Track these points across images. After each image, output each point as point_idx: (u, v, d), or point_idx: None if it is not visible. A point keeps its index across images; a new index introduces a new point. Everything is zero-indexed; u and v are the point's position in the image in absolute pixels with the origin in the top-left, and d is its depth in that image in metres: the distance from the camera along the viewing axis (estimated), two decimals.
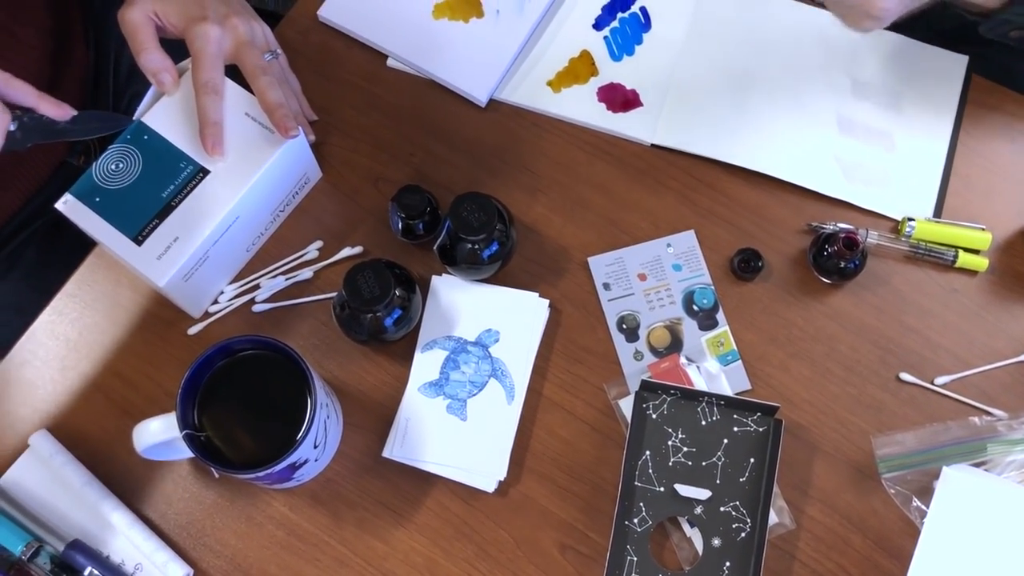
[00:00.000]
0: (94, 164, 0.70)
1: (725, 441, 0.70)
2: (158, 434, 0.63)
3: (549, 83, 0.80)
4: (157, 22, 0.70)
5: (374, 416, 0.72)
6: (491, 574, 0.69)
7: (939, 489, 0.63)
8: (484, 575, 0.69)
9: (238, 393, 0.65)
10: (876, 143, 0.79)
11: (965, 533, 0.62)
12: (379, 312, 0.68)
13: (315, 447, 0.65)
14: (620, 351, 0.74)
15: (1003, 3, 0.70)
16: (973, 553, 0.62)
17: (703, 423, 0.70)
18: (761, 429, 0.70)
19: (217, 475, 0.70)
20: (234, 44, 0.69)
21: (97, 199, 0.69)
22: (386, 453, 0.71)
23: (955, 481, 0.63)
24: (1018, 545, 0.62)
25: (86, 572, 0.67)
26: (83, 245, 0.76)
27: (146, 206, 0.69)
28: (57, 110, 0.65)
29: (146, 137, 0.70)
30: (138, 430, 0.64)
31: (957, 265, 0.75)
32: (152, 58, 0.69)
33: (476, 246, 0.71)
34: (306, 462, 0.65)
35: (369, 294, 0.67)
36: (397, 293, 0.69)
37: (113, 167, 0.70)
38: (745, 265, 0.75)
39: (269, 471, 0.61)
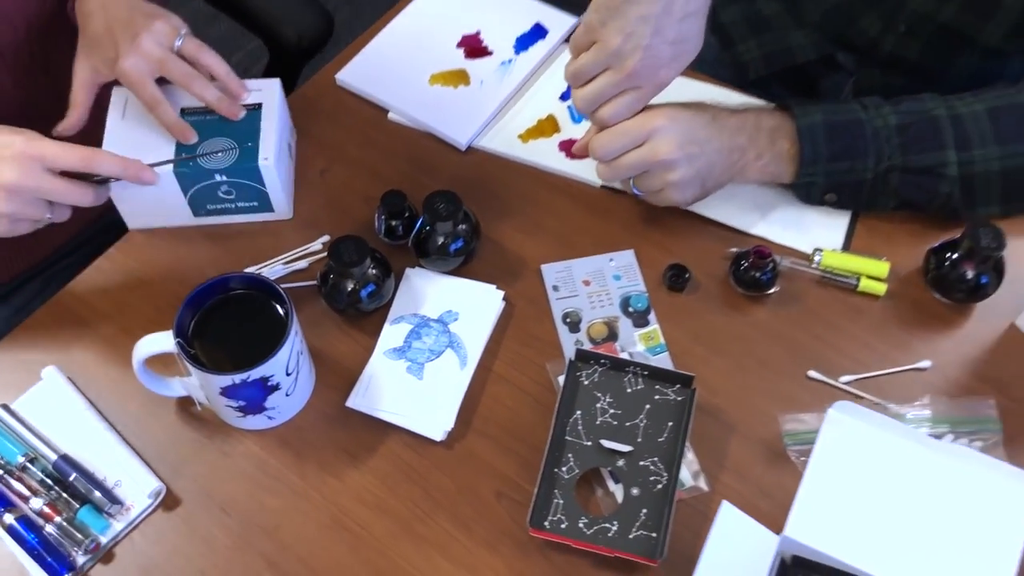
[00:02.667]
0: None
1: (647, 406, 0.79)
2: (155, 345, 0.74)
3: (520, 136, 0.97)
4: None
5: (343, 378, 0.83)
6: (432, 513, 0.76)
7: (824, 430, 0.71)
8: (426, 512, 0.76)
9: (227, 327, 0.76)
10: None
11: (848, 470, 0.70)
12: (356, 275, 0.81)
13: (288, 374, 0.75)
14: (563, 340, 0.85)
15: (795, 171, 0.88)
16: (856, 488, 0.69)
17: (628, 391, 0.80)
18: (679, 399, 0.79)
19: (199, 407, 0.80)
20: (153, 63, 0.84)
21: None
22: (349, 403, 0.81)
23: (840, 418, 0.71)
24: (899, 480, 0.69)
25: (71, 477, 0.76)
26: None
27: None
28: (142, 177, 0.82)
29: None
30: (139, 344, 0.75)
31: (860, 289, 0.87)
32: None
33: (445, 239, 0.85)
34: (278, 387, 0.75)
35: (348, 259, 0.80)
36: (372, 270, 0.82)
37: None
38: (675, 278, 0.87)
39: (247, 374, 0.72)
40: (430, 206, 0.83)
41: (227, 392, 0.74)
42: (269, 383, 0.74)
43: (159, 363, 0.78)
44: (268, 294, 0.77)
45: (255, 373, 0.72)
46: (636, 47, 0.80)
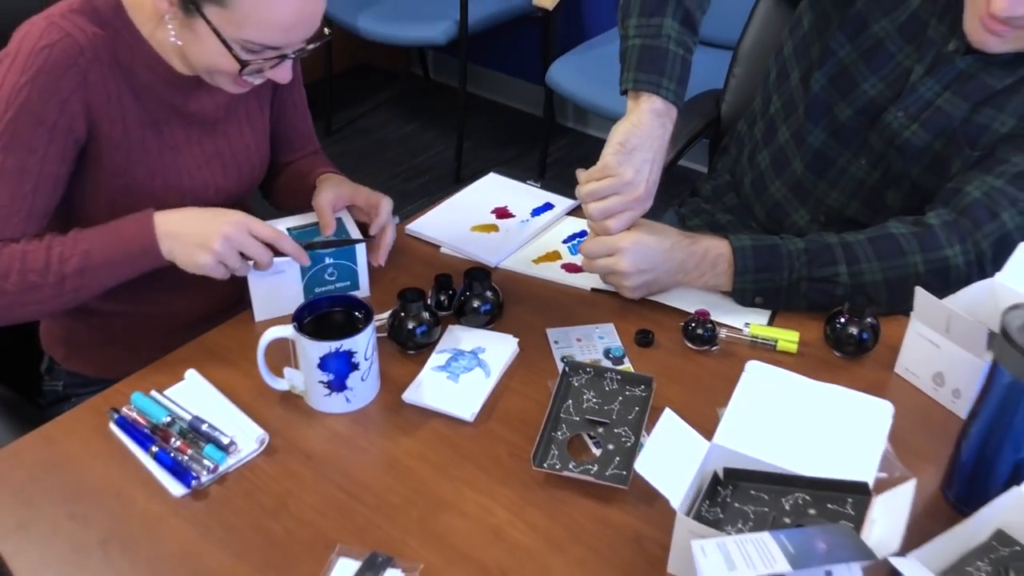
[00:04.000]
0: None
1: (620, 398, 1.09)
2: (278, 332, 1.07)
3: (533, 260, 1.35)
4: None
5: (400, 386, 1.13)
6: (461, 463, 1.04)
7: (743, 378, 1.00)
8: (456, 463, 1.04)
9: (326, 328, 1.09)
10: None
11: (759, 401, 0.98)
12: (414, 312, 1.15)
13: (366, 359, 1.07)
14: (560, 371, 1.16)
15: (731, 281, 1.26)
16: (764, 412, 0.96)
17: (607, 389, 1.10)
18: (644, 394, 1.09)
19: (297, 391, 1.10)
20: (374, 203, 1.27)
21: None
22: (404, 397, 1.11)
23: (754, 372, 1.00)
24: (795, 406, 0.97)
25: (203, 427, 1.05)
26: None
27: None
28: (302, 259, 1.20)
29: None
30: (267, 332, 1.07)
31: (778, 348, 1.19)
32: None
33: (478, 302, 1.20)
34: (357, 367, 1.06)
35: (410, 297, 1.15)
36: (426, 315, 1.16)
37: None
38: (643, 337, 1.20)
39: (340, 343, 1.03)
40: (469, 273, 1.20)
41: (323, 363, 1.05)
42: (352, 359, 1.06)
43: (271, 365, 1.10)
44: (356, 309, 1.11)
45: (346, 344, 1.04)
46: (642, 180, 1.22)
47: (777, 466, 0.92)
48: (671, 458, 0.91)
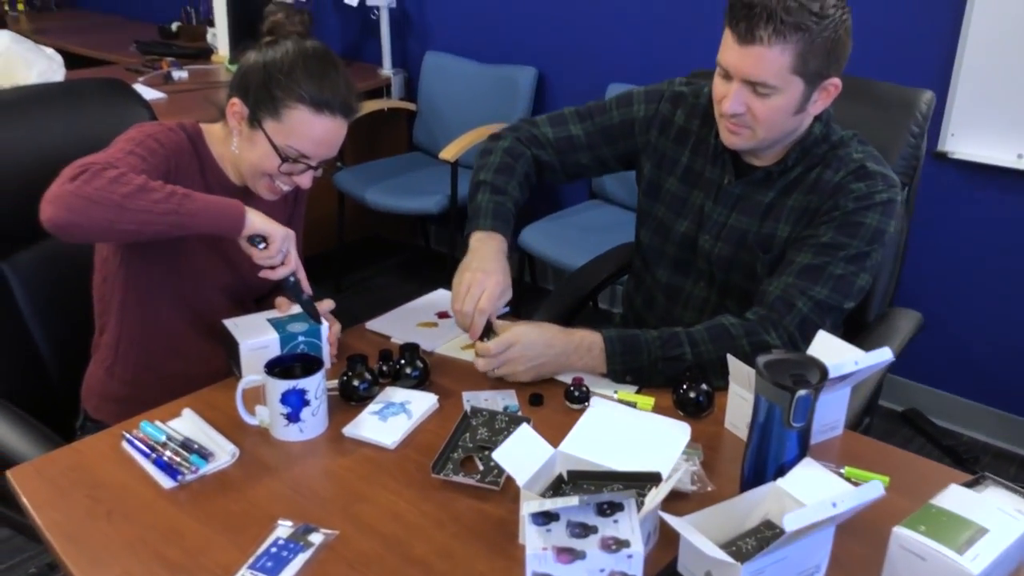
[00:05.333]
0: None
1: (505, 433, 1.43)
2: (254, 380, 1.44)
3: (462, 347, 1.73)
4: None
5: (343, 425, 1.49)
6: (378, 473, 1.38)
7: (588, 410, 1.35)
8: (375, 474, 1.38)
9: (289, 378, 1.46)
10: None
11: (598, 424, 1.32)
12: (358, 371, 1.52)
13: (316, 399, 1.43)
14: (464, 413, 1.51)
15: (605, 363, 1.64)
16: (600, 430, 1.31)
17: (497, 427, 1.45)
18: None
19: (263, 424, 1.45)
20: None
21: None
22: (344, 431, 1.47)
23: (597, 405, 1.35)
24: (622, 427, 1.31)
25: (195, 446, 1.41)
26: None
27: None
28: (306, 286, 1.62)
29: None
30: (245, 379, 1.45)
31: (638, 407, 1.54)
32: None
33: (408, 369, 1.57)
34: (309, 403, 1.43)
35: (356, 361, 1.53)
36: (367, 375, 1.54)
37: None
38: (535, 398, 1.56)
39: (297, 382, 1.40)
40: (403, 347, 1.59)
41: (283, 398, 1.42)
42: (306, 396, 1.43)
43: (246, 410, 1.47)
44: (312, 363, 1.48)
45: (300, 383, 1.41)
46: (495, 271, 1.62)
47: (604, 466, 1.27)
48: (522, 454, 1.26)
